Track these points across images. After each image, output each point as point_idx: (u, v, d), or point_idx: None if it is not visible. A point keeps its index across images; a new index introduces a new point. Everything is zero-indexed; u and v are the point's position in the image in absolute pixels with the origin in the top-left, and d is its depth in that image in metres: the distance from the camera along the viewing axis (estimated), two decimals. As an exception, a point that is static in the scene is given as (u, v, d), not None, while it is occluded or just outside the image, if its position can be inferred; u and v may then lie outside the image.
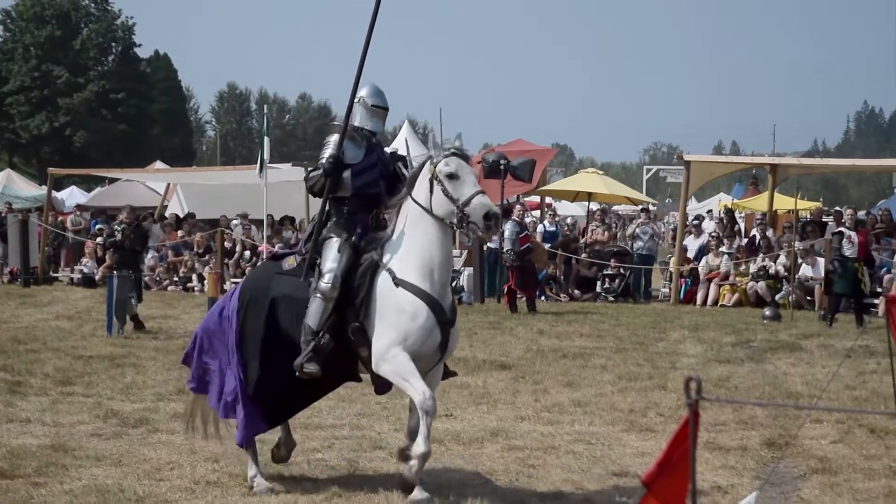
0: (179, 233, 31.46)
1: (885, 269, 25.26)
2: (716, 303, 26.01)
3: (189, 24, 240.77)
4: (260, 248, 26.99)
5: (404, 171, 9.24)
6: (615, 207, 46.48)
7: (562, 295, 27.52)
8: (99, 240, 29.98)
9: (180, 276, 29.68)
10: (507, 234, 23.20)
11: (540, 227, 30.68)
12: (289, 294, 8.93)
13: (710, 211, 44.17)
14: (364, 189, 9.07)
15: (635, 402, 12.96)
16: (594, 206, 34.28)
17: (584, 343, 18.41)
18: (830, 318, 21.06)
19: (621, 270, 27.55)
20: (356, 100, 9.26)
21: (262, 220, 24.72)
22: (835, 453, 10.44)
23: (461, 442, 10.77)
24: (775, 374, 15.36)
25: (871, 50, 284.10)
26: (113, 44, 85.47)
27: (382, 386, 9.09)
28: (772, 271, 25.76)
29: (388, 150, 9.81)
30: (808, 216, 32.95)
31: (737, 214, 39.47)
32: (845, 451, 10.52)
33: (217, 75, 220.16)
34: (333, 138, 9.18)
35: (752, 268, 26.24)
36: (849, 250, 21.15)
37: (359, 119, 9.32)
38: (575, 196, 37.08)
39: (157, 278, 29.75)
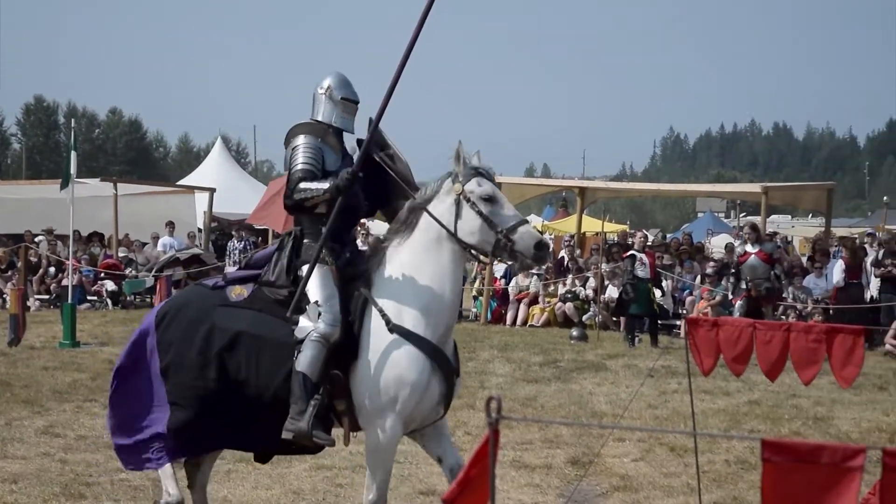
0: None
1: (686, 291, 26.01)
2: (525, 323, 26.40)
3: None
4: (66, 265, 26.34)
5: (386, 158, 7.66)
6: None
7: (374, 314, 27.55)
8: None
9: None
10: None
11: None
12: (247, 332, 7.30)
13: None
14: (344, 201, 7.40)
15: (444, 421, 13.02)
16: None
17: (394, 362, 18.41)
18: (632, 339, 21.63)
19: (433, 290, 27.68)
20: (322, 91, 7.74)
21: (69, 236, 24.13)
22: (636, 471, 10.69)
23: (269, 461, 10.65)
24: (581, 393, 15.64)
25: (677, 76, 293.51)
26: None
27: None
28: (581, 295, 26.28)
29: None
30: (615, 238, 33.75)
31: (546, 236, 40.16)
32: (646, 469, 10.79)
33: (23, 87, 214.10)
34: (301, 140, 7.53)
35: (561, 289, 26.74)
36: (641, 271, 21.86)
37: (324, 114, 7.71)
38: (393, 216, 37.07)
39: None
